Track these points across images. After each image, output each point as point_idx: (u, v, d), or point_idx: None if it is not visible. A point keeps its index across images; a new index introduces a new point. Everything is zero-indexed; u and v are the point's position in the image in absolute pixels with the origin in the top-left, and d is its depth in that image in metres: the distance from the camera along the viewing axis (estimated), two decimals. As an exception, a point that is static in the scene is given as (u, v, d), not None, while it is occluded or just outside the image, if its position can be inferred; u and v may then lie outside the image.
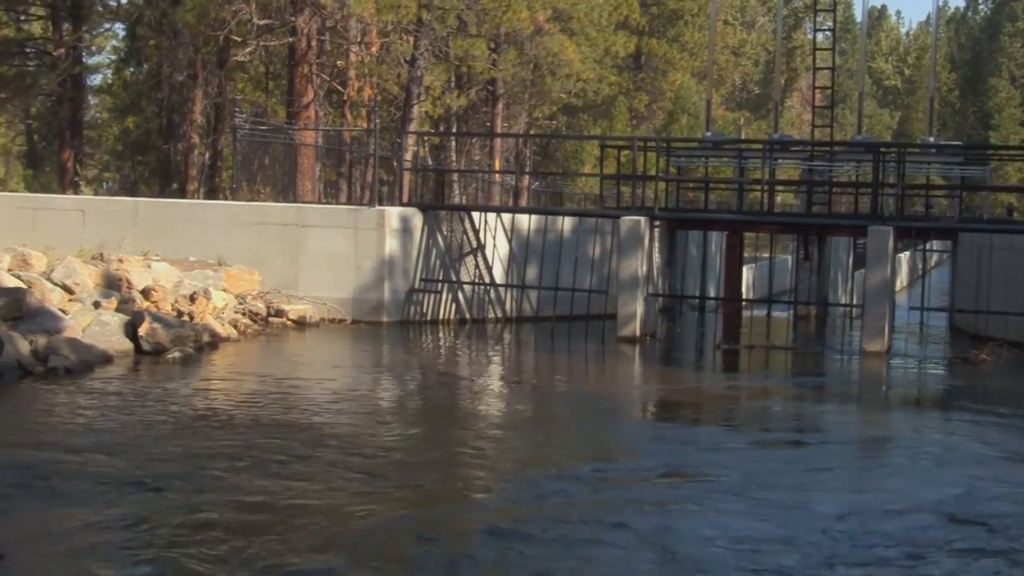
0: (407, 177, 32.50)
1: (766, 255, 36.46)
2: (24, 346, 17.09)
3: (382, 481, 11.62)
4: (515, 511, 10.77)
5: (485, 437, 14.54)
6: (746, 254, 29.98)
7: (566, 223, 27.14)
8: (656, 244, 24.22)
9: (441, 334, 24.15)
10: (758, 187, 29.83)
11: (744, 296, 29.44)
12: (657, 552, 9.68)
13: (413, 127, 36.89)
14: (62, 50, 46.46)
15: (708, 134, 29.14)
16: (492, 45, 42.59)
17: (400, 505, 10.79)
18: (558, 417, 16.39)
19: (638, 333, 23.07)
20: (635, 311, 23.13)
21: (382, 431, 14.38)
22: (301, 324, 23.18)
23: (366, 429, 14.27)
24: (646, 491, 11.71)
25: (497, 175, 45.07)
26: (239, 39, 38.42)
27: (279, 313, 23.22)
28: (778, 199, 38.74)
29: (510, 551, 9.56)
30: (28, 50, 50.48)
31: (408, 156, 33.91)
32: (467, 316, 25.74)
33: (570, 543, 9.77)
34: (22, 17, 51.28)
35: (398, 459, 12.82)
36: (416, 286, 24.84)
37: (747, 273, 32.28)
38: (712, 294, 29.46)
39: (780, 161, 28.98)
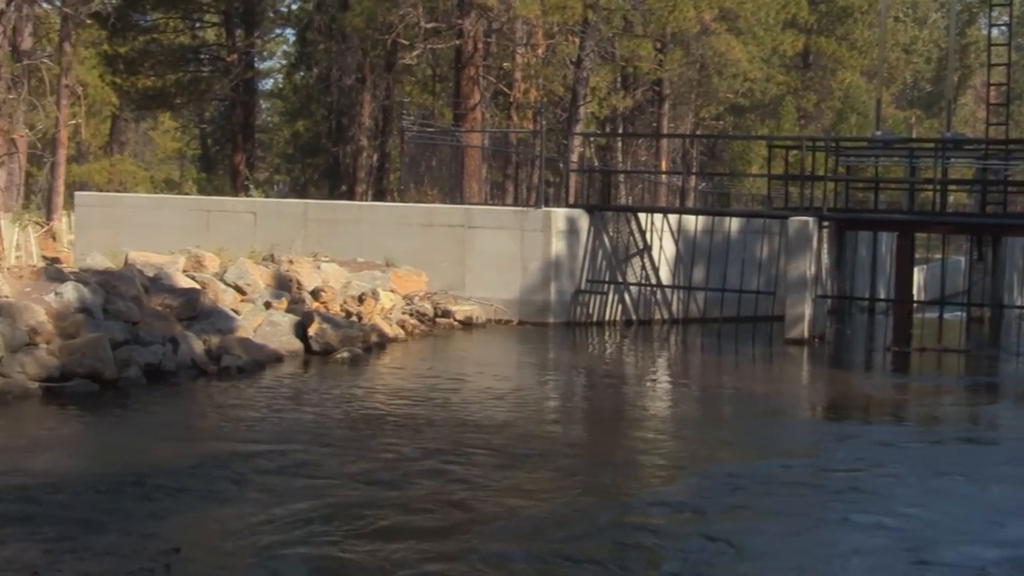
0: (573, 178, 32.51)
1: (938, 256, 35.68)
2: (198, 345, 17.42)
3: (563, 479, 11.57)
4: (699, 508, 10.66)
5: (658, 436, 14.41)
6: (917, 255, 29.33)
7: (733, 224, 26.84)
8: (825, 245, 23.82)
9: (607, 335, 24.06)
10: (930, 187, 29.15)
11: (915, 298, 28.81)
12: (851, 544, 9.53)
13: (579, 128, 36.90)
14: (235, 56, 47.47)
15: (878, 133, 28.59)
16: (658, 45, 42.43)
17: (586, 501, 10.72)
18: (728, 417, 16.24)
19: (806, 335, 22.72)
20: (803, 313, 22.78)
21: (555, 430, 14.35)
22: (468, 325, 23.26)
23: (539, 428, 14.23)
24: (827, 486, 11.53)
25: (663, 176, 44.82)
26: (407, 42, 38.80)
27: (446, 314, 23.33)
28: (951, 199, 37.85)
29: (703, 549, 9.45)
30: (202, 56, 51.67)
31: (574, 157, 33.91)
32: (633, 317, 25.60)
33: (767, 537, 9.71)
34: (197, 24, 52.49)
35: (574, 457, 12.78)
36: (582, 287, 24.79)
37: (918, 274, 31.60)
38: (882, 296, 28.90)
39: (953, 160, 28.32)
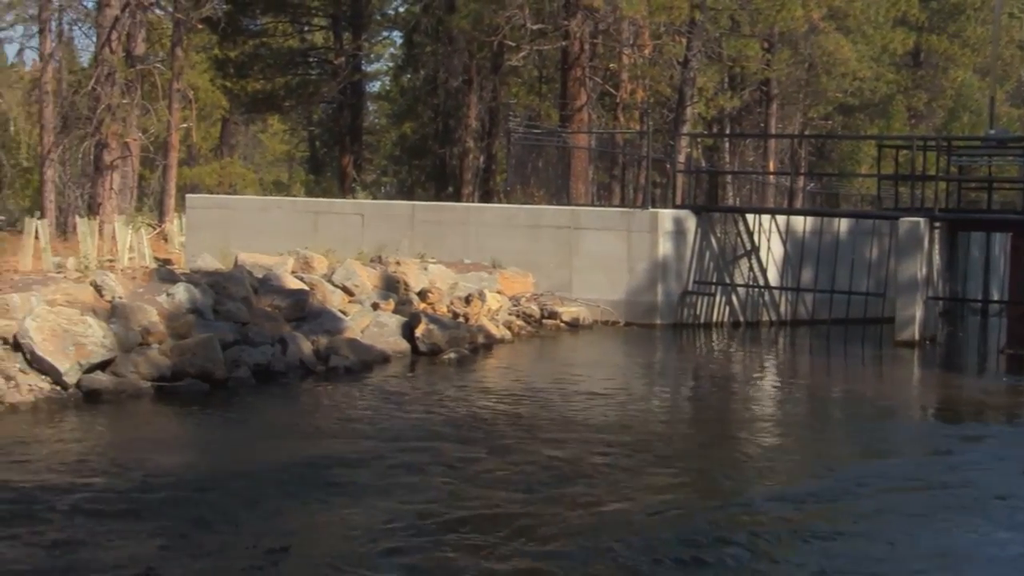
0: (680, 179, 32.37)
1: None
2: (306, 346, 17.58)
3: (681, 479, 11.49)
4: (830, 507, 10.59)
5: (772, 438, 14.28)
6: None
7: (842, 225, 26.52)
8: (936, 246, 23.48)
9: (714, 337, 23.90)
10: (1046, 186, 28.63)
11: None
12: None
13: (686, 129, 36.74)
14: (342, 59, 47.87)
15: (992, 132, 28.13)
16: (766, 45, 42.12)
17: (708, 502, 10.67)
18: (840, 418, 16.05)
19: (917, 337, 22.39)
20: (914, 315, 22.45)
21: (668, 431, 14.27)
22: (574, 326, 23.22)
23: (651, 429, 14.16)
24: (952, 486, 11.38)
25: (771, 176, 44.47)
26: (513, 44, 38.82)
27: (552, 315, 23.30)
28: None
29: (841, 548, 9.37)
30: (311, 59, 52.17)
31: (681, 158, 33.76)
32: (741, 319, 25.41)
33: (904, 536, 9.58)
34: (305, 28, 52.97)
35: (689, 458, 12.71)
36: (689, 288, 24.64)
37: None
38: (996, 297, 28.40)
39: (1069, 159, 27.77)
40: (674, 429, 14.61)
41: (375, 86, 62.49)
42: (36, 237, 22.73)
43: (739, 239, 25.48)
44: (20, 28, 54.07)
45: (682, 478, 11.68)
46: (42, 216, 28.21)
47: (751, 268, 25.49)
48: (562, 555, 8.99)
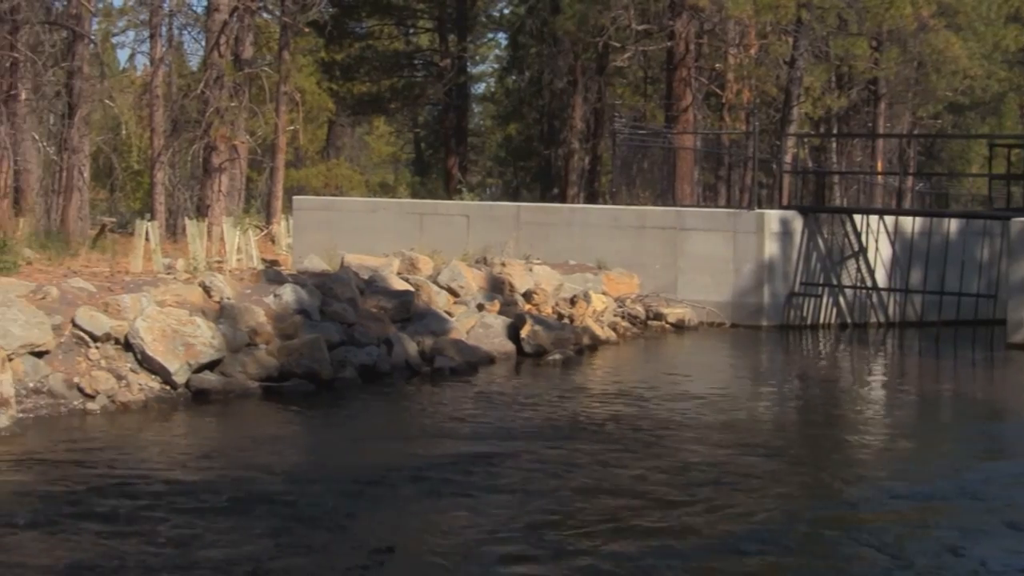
0: (786, 179, 32.09)
1: None
2: (412, 347, 17.65)
3: (794, 482, 11.36)
4: (955, 506, 10.47)
5: (886, 440, 14.07)
6: None
7: (952, 225, 26.10)
8: (1050, 246, 23.03)
9: (821, 338, 23.63)
10: None
11: None
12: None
13: (793, 129, 36.44)
14: (448, 61, 48.09)
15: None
16: (874, 43, 41.63)
17: (822, 504, 10.56)
18: (953, 421, 15.83)
19: (1030, 339, 22.00)
20: (1027, 316, 22.05)
21: (778, 433, 14.14)
22: (679, 327, 23.09)
23: (758, 432, 14.00)
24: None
25: (879, 176, 43.92)
26: (618, 45, 38.76)
27: (658, 316, 23.20)
28: None
29: (971, 547, 9.24)
30: (416, 62, 52.50)
31: (787, 158, 33.50)
32: (848, 320, 25.10)
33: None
34: (411, 31, 53.29)
35: (801, 460, 12.56)
36: (796, 290, 24.40)
37: None
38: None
39: None
40: (785, 432, 14.48)
41: (480, 88, 62.81)
42: (146, 239, 23.04)
43: (846, 240, 25.18)
44: (131, 33, 54.83)
45: (800, 480, 11.53)
46: (152, 218, 28.60)
47: (859, 269, 25.17)
48: (676, 555, 8.94)
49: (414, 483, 10.97)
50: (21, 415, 13.32)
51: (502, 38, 56.10)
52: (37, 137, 35.48)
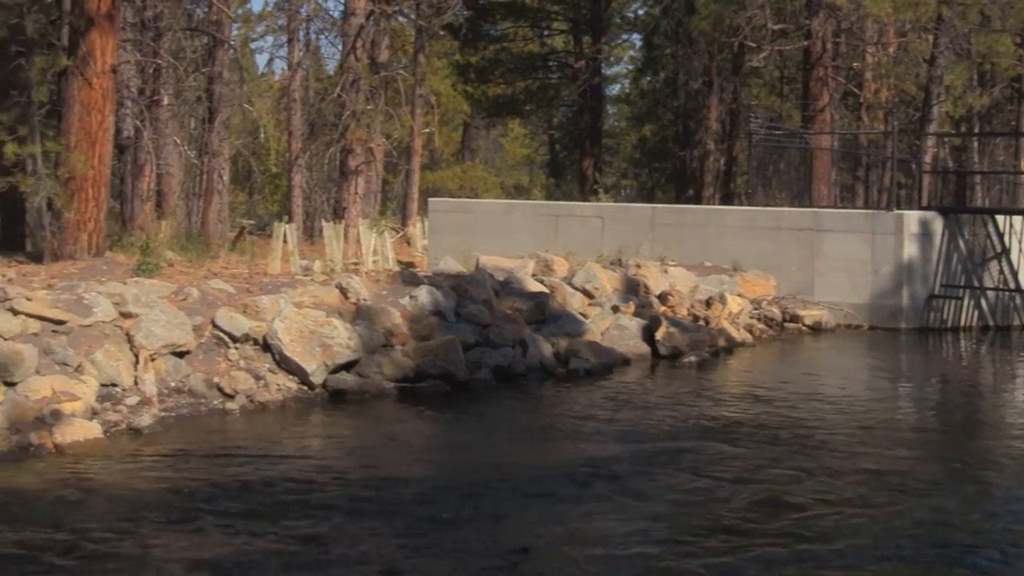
0: (926, 180, 31.54)
1: None
2: (546, 348, 17.66)
3: (940, 485, 11.18)
4: None
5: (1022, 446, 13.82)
6: None
7: (1100, 225, 25.47)
8: None
9: (962, 341, 23.17)
10: None
11: None
12: None
13: (933, 128, 35.77)
14: (582, 62, 48.07)
15: None
16: (1018, 40, 40.69)
17: (971, 507, 10.38)
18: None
19: None
20: None
21: (917, 438, 13.83)
22: (816, 330, 22.82)
23: (899, 436, 13.72)
24: None
25: (1023, 176, 42.97)
26: (754, 44, 38.43)
27: (794, 318, 22.96)
28: None
29: None
30: (551, 63, 52.54)
31: (927, 158, 32.91)
32: (990, 323, 24.58)
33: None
34: (545, 32, 53.33)
35: (943, 463, 12.37)
36: (936, 292, 23.96)
37: None
38: None
39: None
40: (927, 436, 14.19)
41: (615, 89, 62.67)
42: (284, 241, 23.33)
43: (988, 241, 24.67)
44: (270, 38, 55.70)
45: (941, 484, 11.32)
46: (290, 220, 28.98)
47: (1001, 271, 24.64)
48: (818, 559, 8.83)
49: (550, 485, 10.96)
50: (163, 414, 13.57)
51: (637, 39, 56.00)
52: (179, 141, 36.16)
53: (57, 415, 12.45)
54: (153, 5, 30.34)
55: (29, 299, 14.35)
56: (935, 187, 31.48)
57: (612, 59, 57.41)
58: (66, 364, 13.58)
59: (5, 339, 13.37)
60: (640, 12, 52.53)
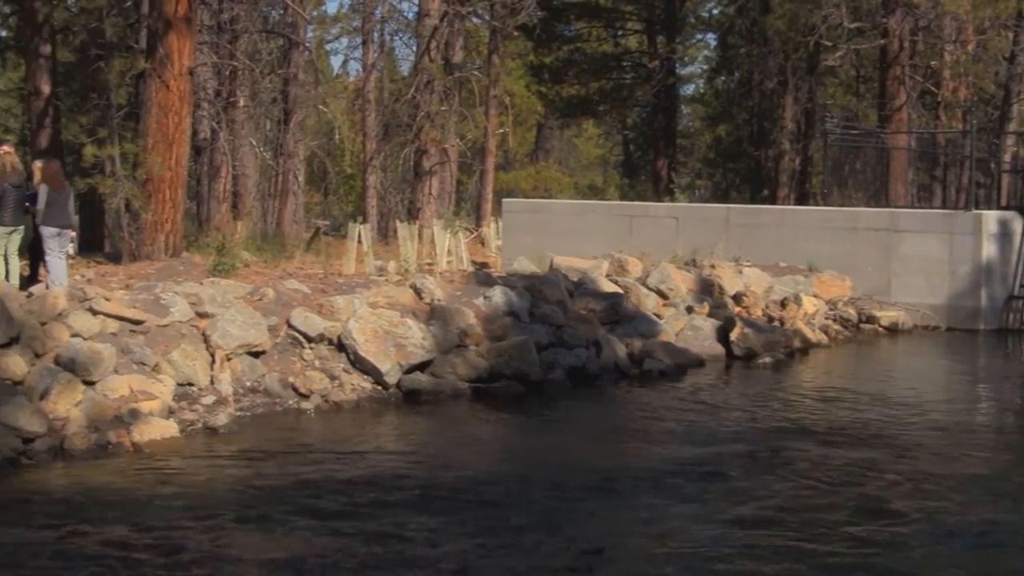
0: (1006, 179, 31.19)
1: None
2: (621, 349, 17.63)
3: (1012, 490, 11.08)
4: None
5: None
6: None
7: None
8: None
9: (1042, 343, 22.87)
10: None
11: None
12: None
13: (1012, 127, 35.34)
14: (656, 62, 47.90)
15: None
16: (1100, 37, 40.11)
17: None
18: None
19: None
20: None
21: (995, 441, 13.67)
22: (893, 331, 22.60)
23: (978, 439, 13.56)
24: None
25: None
26: (829, 43, 38.12)
27: (870, 319, 22.76)
28: None
29: None
30: (625, 63, 52.41)
31: (1007, 157, 32.51)
32: (1071, 325, 24.22)
33: None
34: (619, 33, 53.19)
35: (1018, 472, 12.20)
36: (1015, 292, 23.64)
37: None
38: None
39: None
40: (1013, 440, 13.96)
41: (689, 89, 62.41)
42: (359, 241, 23.41)
43: (1069, 241, 24.29)
44: (344, 40, 55.90)
45: (995, 493, 11.16)
46: (364, 221, 29.08)
47: (1083, 271, 24.26)
48: (901, 563, 8.74)
49: (625, 486, 10.93)
50: (239, 413, 13.68)
51: (711, 39, 55.72)
52: (254, 143, 36.42)
53: (135, 414, 12.59)
54: (229, 8, 30.58)
55: (108, 299, 14.52)
56: (1014, 186, 31.07)
57: (686, 59, 57.12)
58: (144, 363, 13.72)
59: (84, 339, 13.53)
60: (715, 11, 52.27)
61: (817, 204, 30.51)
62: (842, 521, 9.82)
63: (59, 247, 17.09)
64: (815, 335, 20.90)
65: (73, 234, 17.85)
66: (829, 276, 23.57)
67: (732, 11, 47.20)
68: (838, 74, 49.24)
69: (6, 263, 17.29)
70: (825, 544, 9.16)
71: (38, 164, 18.44)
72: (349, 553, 8.86)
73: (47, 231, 16.96)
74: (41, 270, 17.88)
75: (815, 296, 22.44)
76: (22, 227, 17.33)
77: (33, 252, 18.17)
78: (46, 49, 26.33)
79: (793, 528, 9.61)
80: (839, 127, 29.97)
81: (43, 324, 13.54)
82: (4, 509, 10.02)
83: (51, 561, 8.66)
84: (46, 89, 26.20)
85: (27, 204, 17.52)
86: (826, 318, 22.14)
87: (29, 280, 17.65)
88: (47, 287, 15.70)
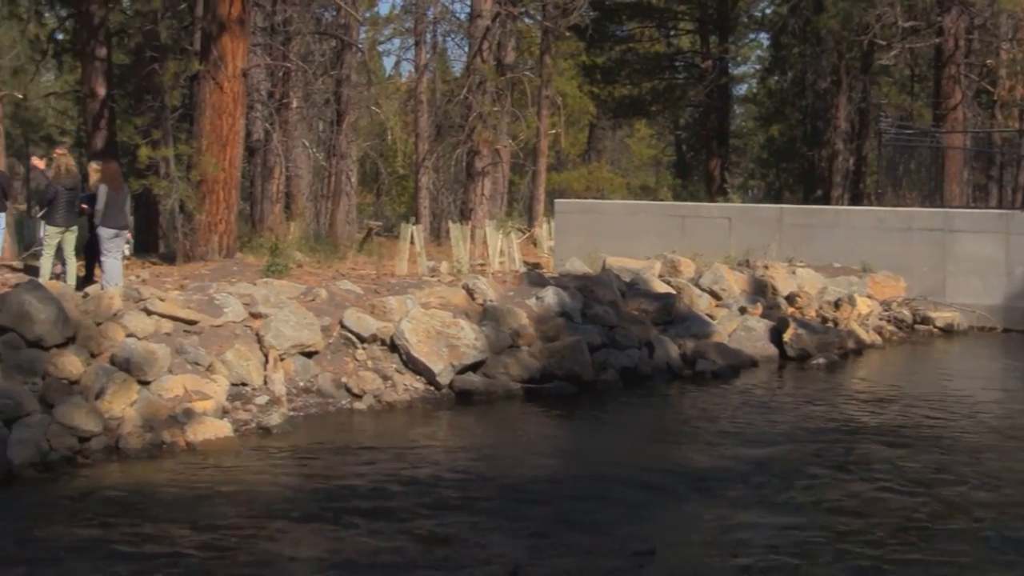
0: (1063, 178, 30.90)
1: None
2: (673, 350, 17.58)
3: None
4: None
5: None
6: None
7: None
8: None
9: (1101, 344, 22.62)
10: None
11: None
12: None
13: (1070, 126, 35.04)
14: (709, 62, 47.75)
15: None
16: None
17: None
18: None
19: None
20: None
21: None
22: (948, 332, 22.43)
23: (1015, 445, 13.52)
24: None
25: None
26: (884, 42, 37.89)
27: (925, 320, 22.60)
28: None
29: None
30: (677, 63, 52.27)
31: (1064, 156, 32.24)
32: None
33: None
34: (672, 33, 53.05)
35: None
36: (1073, 293, 23.45)
37: None
38: None
39: None
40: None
41: (742, 89, 62.18)
42: (411, 242, 23.47)
43: None
44: (397, 41, 56.09)
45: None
46: (417, 221, 29.15)
47: None
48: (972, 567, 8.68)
49: (677, 486, 10.89)
50: (292, 413, 13.73)
51: (764, 38, 55.47)
52: (307, 144, 36.56)
53: (189, 413, 12.66)
54: (283, 9, 30.70)
55: (162, 300, 14.62)
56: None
57: (739, 59, 56.91)
58: (198, 363, 13.80)
59: (139, 339, 13.62)
60: (767, 11, 52.02)
61: (871, 204, 30.34)
62: (894, 524, 9.75)
63: (116, 248, 17.23)
64: (869, 336, 20.77)
65: (129, 235, 18.00)
66: (883, 277, 23.42)
67: (785, 10, 46.96)
68: (892, 73, 48.93)
69: (63, 263, 17.46)
70: (882, 548, 9.11)
71: (95, 165, 18.62)
72: (400, 553, 8.87)
73: (105, 232, 17.08)
74: (96, 270, 18.03)
75: (869, 297, 22.31)
76: (75, 227, 17.47)
77: (89, 253, 18.34)
78: (102, 52, 26.58)
79: (852, 532, 9.55)
80: (893, 127, 29.78)
81: (99, 324, 13.65)
82: (60, 508, 10.10)
83: (105, 560, 8.72)
84: (102, 91, 26.44)
85: (83, 205, 17.68)
86: (880, 319, 22.00)
87: (85, 280, 17.81)
88: (102, 287, 15.83)
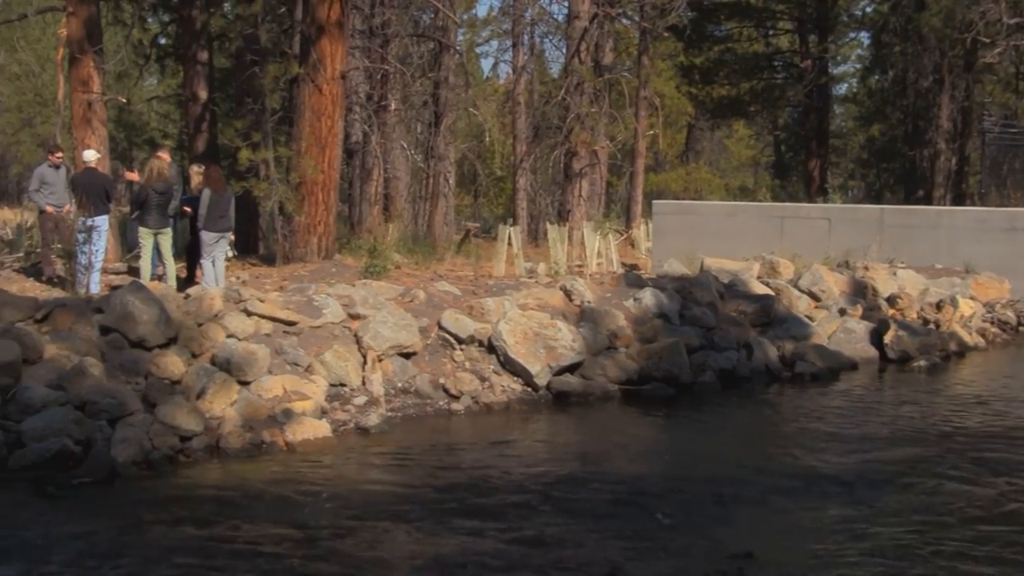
0: None
1: None
2: (772, 351, 17.45)
3: None
4: None
5: None
6: None
7: None
8: None
9: None
10: None
11: None
12: None
13: None
14: (808, 62, 47.35)
15: None
16: None
17: None
18: None
19: None
20: None
21: None
22: (1054, 334, 22.10)
23: None
24: None
25: None
26: (987, 40, 37.32)
27: (1030, 322, 22.28)
28: None
29: None
30: (776, 63, 51.86)
31: None
32: None
33: None
34: (771, 32, 52.68)
35: None
36: None
37: None
38: None
39: None
40: None
41: (842, 88, 61.53)
42: (509, 243, 23.48)
43: None
44: (494, 43, 56.36)
45: None
46: (515, 223, 29.17)
47: None
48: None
49: (775, 489, 10.82)
50: (390, 413, 13.81)
51: (864, 37, 54.84)
52: (405, 145, 36.70)
53: (288, 414, 12.77)
54: (381, 12, 30.88)
55: (262, 301, 14.77)
56: None
57: (839, 58, 56.32)
58: (297, 364, 13.93)
59: (240, 339, 13.77)
60: (868, 10, 51.43)
61: (974, 204, 29.92)
62: (1004, 535, 9.60)
63: (218, 251, 17.40)
64: (972, 338, 20.47)
65: (232, 236, 18.20)
66: (987, 278, 23.07)
67: (886, 9, 46.43)
68: (996, 71, 48.14)
69: (153, 264, 17.65)
70: (993, 560, 8.97)
71: (196, 168, 18.84)
72: (497, 554, 8.89)
73: (207, 236, 17.25)
74: (197, 272, 18.24)
75: (972, 298, 21.99)
76: (167, 230, 17.63)
77: (190, 254, 18.56)
78: (203, 56, 26.88)
79: (958, 540, 9.42)
80: (997, 126, 29.38)
81: (200, 325, 13.82)
82: (163, 506, 10.23)
83: (206, 558, 8.82)
84: (203, 95, 26.74)
85: (185, 208, 17.91)
86: (983, 321, 21.68)
87: (186, 282, 18.02)
88: (203, 288, 16.02)
